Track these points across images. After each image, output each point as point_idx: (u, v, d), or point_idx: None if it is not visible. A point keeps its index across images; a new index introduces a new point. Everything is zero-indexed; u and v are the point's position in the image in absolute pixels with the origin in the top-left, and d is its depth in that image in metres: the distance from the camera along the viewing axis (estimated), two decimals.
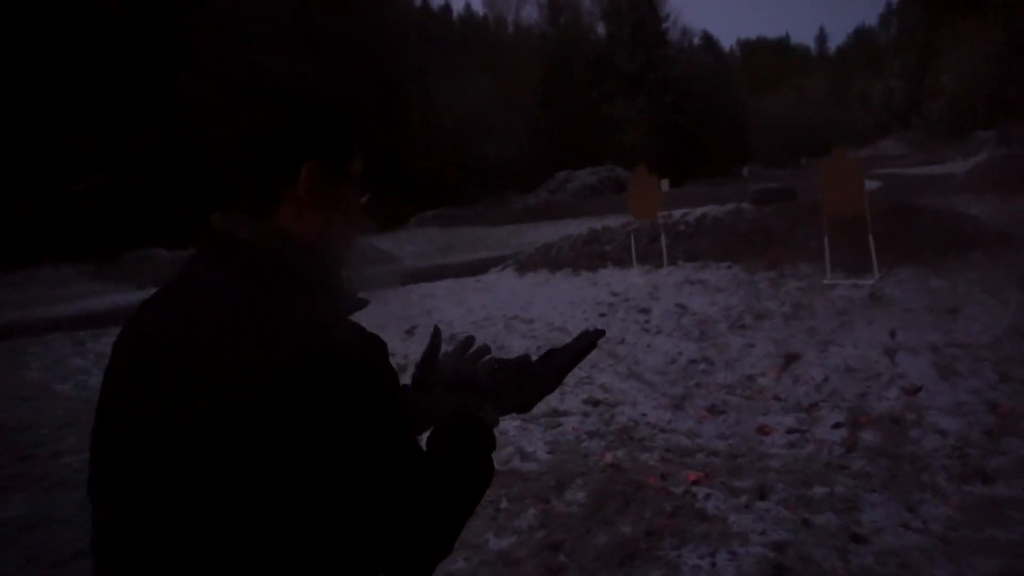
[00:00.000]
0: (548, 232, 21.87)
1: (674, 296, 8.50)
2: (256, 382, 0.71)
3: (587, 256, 11.93)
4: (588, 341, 1.11)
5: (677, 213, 12.27)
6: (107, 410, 0.84)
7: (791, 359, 5.49)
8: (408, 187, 42.17)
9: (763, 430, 4.20)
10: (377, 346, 0.80)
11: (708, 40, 69.18)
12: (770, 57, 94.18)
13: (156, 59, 28.94)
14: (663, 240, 10.30)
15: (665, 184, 37.32)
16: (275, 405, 0.71)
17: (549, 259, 12.35)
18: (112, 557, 0.80)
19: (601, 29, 58.39)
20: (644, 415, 4.57)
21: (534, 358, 1.10)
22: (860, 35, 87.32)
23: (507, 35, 65.51)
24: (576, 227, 14.94)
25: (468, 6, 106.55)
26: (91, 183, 27.81)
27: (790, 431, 4.12)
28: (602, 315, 7.78)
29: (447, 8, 68.93)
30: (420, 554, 0.81)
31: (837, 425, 4.12)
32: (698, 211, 12.09)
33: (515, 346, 7.04)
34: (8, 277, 25.64)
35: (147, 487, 0.75)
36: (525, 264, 12.60)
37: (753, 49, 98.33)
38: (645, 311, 7.72)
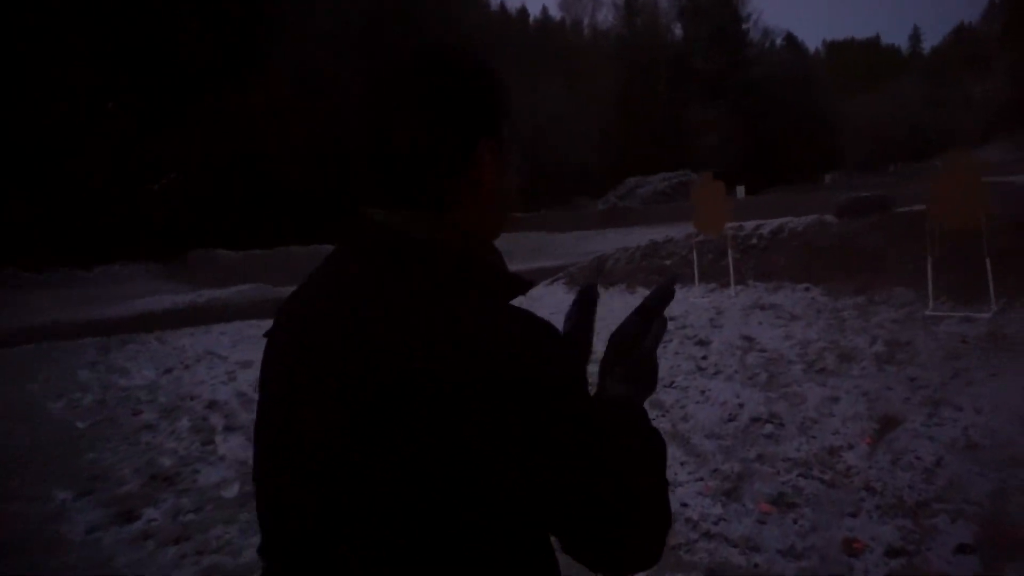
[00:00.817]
0: (614, 239, 20.56)
1: (740, 324, 7.16)
2: (443, 380, 0.64)
3: (645, 271, 10.63)
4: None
5: (749, 225, 10.83)
6: (272, 404, 0.80)
7: (888, 425, 4.14)
8: None
9: (851, 546, 2.94)
10: (550, 334, 0.70)
11: (792, 41, 65.90)
12: (859, 58, 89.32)
13: (226, 64, 29.14)
14: (730, 256, 8.93)
15: (740, 191, 35.18)
16: (462, 404, 0.64)
17: (603, 273, 11.11)
18: (284, 546, 0.77)
19: (679, 30, 56.34)
20: (685, 506, 3.36)
21: None
22: (960, 33, 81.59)
23: (583, 39, 64.18)
24: (645, 235, 13.62)
25: (545, 10, 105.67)
26: (165, 184, 28.17)
27: (890, 553, 2.84)
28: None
29: (524, 12, 68.19)
30: (634, 542, 0.73)
31: (963, 548, 2.81)
32: (774, 222, 10.62)
33: None
34: (84, 273, 26.18)
35: (319, 479, 0.71)
36: (576, 278, 11.40)
37: (841, 50, 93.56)
38: (703, 343, 6.43)
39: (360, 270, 0.75)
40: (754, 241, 10.21)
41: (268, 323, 0.85)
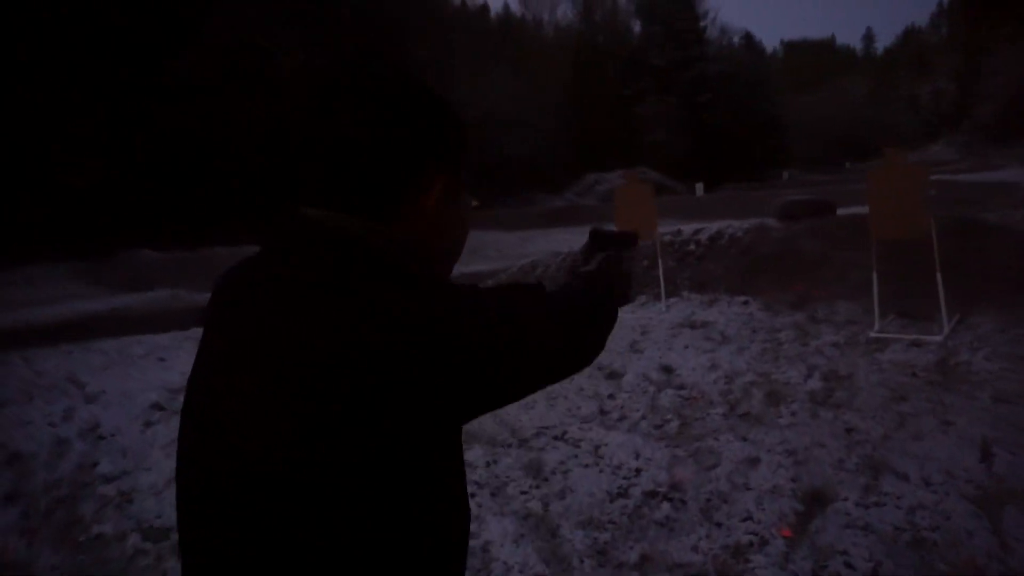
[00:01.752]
0: (562, 239, 19.62)
1: (663, 348, 6.19)
2: (366, 350, 0.71)
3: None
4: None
5: (688, 229, 9.91)
6: (205, 386, 0.83)
7: (815, 503, 3.20)
8: None
9: None
10: (463, 302, 0.78)
11: (750, 40, 65.75)
12: (815, 58, 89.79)
13: (155, 47, 27.45)
14: (660, 266, 7.98)
15: (700, 188, 34.44)
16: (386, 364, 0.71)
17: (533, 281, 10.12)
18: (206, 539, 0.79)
19: (638, 27, 55.67)
20: None
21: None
22: (909, 35, 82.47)
23: (545, 35, 63.16)
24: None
25: (507, 6, 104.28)
26: (89, 178, 26.40)
27: None
28: None
29: (485, 8, 66.74)
30: (585, 346, 0.94)
31: None
32: (713, 227, 9.72)
33: None
34: (5, 276, 24.38)
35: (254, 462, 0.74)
36: None
37: (797, 50, 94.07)
38: (615, 376, 5.44)
39: (300, 266, 0.79)
40: (691, 247, 9.29)
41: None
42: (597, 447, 4.08)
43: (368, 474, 0.71)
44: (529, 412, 4.76)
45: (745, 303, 7.67)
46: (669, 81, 47.64)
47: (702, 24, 53.03)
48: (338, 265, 0.77)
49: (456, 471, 0.81)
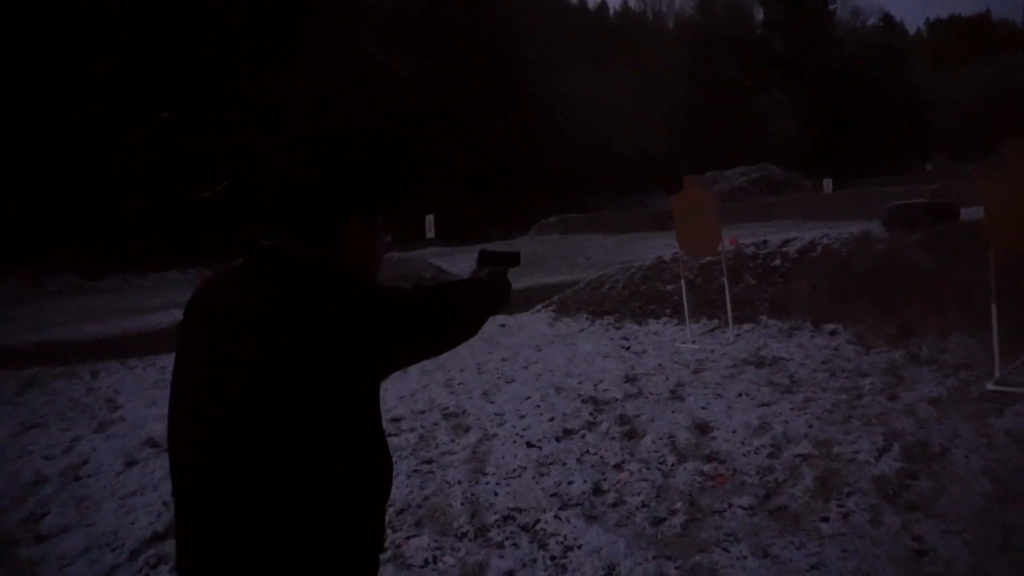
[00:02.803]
0: (663, 244, 18.24)
1: (711, 395, 5.03)
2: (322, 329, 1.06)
3: (641, 299, 8.52)
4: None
5: (776, 239, 8.50)
6: (187, 381, 1.17)
7: None
8: (536, 189, 39.54)
9: None
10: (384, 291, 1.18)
11: (888, 20, 60.05)
12: (965, 35, 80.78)
13: (260, 50, 28.37)
14: (727, 286, 6.71)
15: (828, 184, 31.46)
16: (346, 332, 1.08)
17: (596, 298, 9.06)
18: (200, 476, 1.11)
19: (760, 15, 52.23)
20: None
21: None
22: None
23: (665, 29, 60.79)
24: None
25: (625, 2, 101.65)
26: (219, 190, 27.79)
27: None
28: (567, 432, 4.53)
29: (603, 5, 65.09)
30: (460, 328, 1.31)
31: None
32: (806, 236, 8.25)
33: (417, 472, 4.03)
34: (140, 280, 26.11)
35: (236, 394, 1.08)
36: (567, 304, 9.39)
37: (944, 28, 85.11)
38: (633, 436, 4.38)
39: (260, 274, 1.15)
40: (776, 262, 7.91)
41: None
42: (567, 549, 3.09)
43: (309, 416, 1.05)
44: (511, 483, 3.83)
45: (833, 333, 6.28)
46: (795, 69, 44.20)
47: (831, 6, 48.84)
48: (282, 270, 1.14)
49: (374, 418, 1.16)
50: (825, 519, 3.12)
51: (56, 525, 4.05)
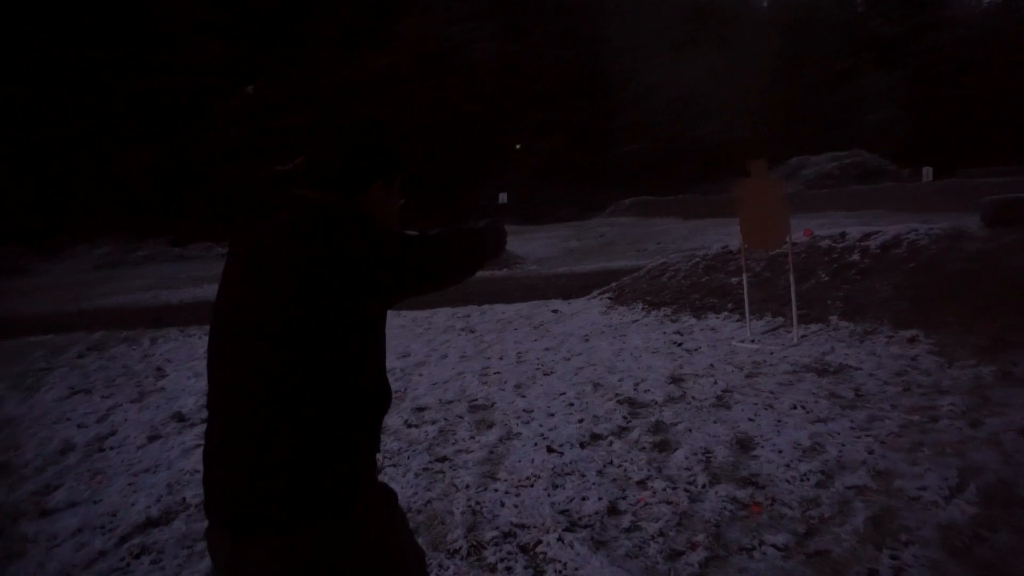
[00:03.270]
0: (735, 232, 17.30)
1: (761, 404, 4.49)
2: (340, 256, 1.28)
3: (701, 291, 7.92)
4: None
5: (855, 232, 7.71)
6: (231, 296, 1.38)
7: None
8: (614, 172, 38.60)
9: None
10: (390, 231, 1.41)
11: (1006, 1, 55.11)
12: None
13: (351, 33, 28.57)
14: (792, 284, 6.05)
15: (928, 173, 29.23)
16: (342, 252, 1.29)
17: (655, 287, 8.52)
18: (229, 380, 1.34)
19: None
20: None
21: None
22: None
23: (758, 10, 58.04)
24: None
25: None
26: (296, 166, 28.29)
27: None
28: (594, 438, 4.12)
29: None
30: (447, 272, 1.46)
31: None
32: (890, 231, 7.44)
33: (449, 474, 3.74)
34: (220, 249, 26.98)
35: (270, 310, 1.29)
36: (625, 292, 8.88)
37: None
38: (665, 448, 3.92)
39: (295, 214, 1.36)
40: (854, 257, 7.16)
41: None
42: None
43: (327, 330, 1.26)
44: (520, 494, 3.46)
45: (912, 341, 5.58)
46: (896, 53, 41.25)
47: None
48: (315, 211, 1.36)
49: (377, 343, 1.39)
50: (873, 572, 2.61)
51: (64, 500, 3.97)
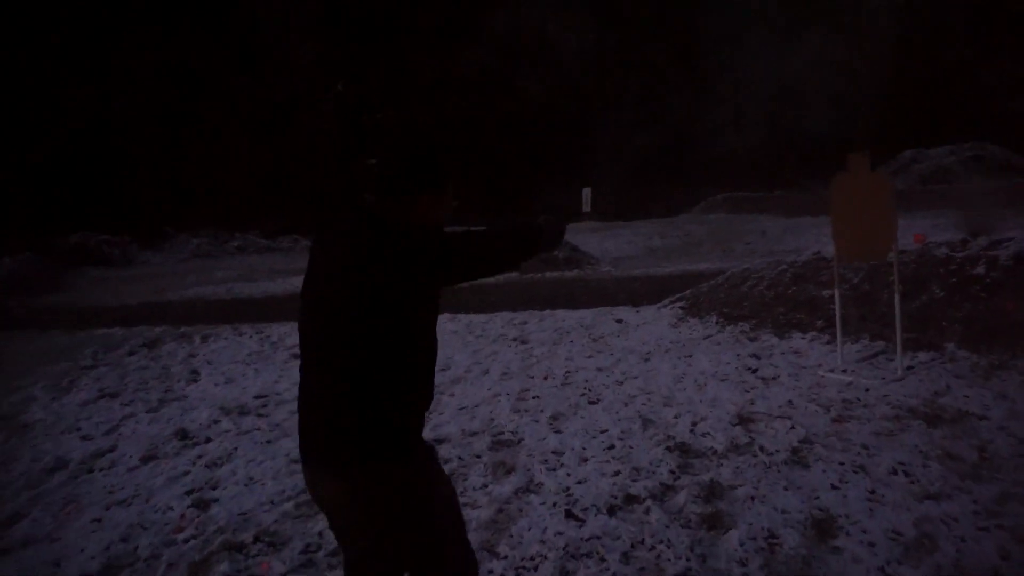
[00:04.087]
0: (829, 235, 15.62)
1: (849, 460, 3.47)
2: (386, 266, 1.59)
3: (787, 304, 6.80)
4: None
5: (980, 239, 6.39)
6: (313, 287, 1.73)
7: None
8: (710, 168, 36.71)
9: None
10: (440, 237, 1.65)
11: None
12: None
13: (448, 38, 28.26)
14: (897, 301, 4.89)
15: None
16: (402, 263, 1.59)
17: (734, 298, 7.44)
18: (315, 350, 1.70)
19: None
20: None
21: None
22: None
23: None
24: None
25: None
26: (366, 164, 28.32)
27: None
28: (628, 500, 3.26)
29: None
30: (502, 262, 1.74)
31: None
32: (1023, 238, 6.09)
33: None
34: (306, 242, 27.39)
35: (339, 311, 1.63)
36: (699, 302, 7.84)
37: None
38: (714, 524, 3.01)
39: (359, 223, 1.67)
40: (979, 270, 5.87)
41: None
42: None
43: (385, 314, 1.58)
44: None
45: None
46: None
47: None
48: (372, 222, 1.65)
49: (429, 320, 1.69)
50: None
51: (20, 537, 3.50)
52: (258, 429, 4.94)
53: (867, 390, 4.63)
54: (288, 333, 8.79)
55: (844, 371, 5.05)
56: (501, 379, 5.78)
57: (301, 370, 1.74)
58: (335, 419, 1.63)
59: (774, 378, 5.10)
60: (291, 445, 4.49)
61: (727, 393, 4.81)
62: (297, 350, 8.04)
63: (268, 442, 4.65)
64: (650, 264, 13.54)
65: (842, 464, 3.50)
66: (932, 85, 39.69)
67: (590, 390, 5.23)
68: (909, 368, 4.93)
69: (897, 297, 4.81)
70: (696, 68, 37.94)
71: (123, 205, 27.48)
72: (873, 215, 4.76)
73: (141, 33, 28.01)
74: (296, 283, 15.22)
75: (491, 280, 13.91)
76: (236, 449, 4.57)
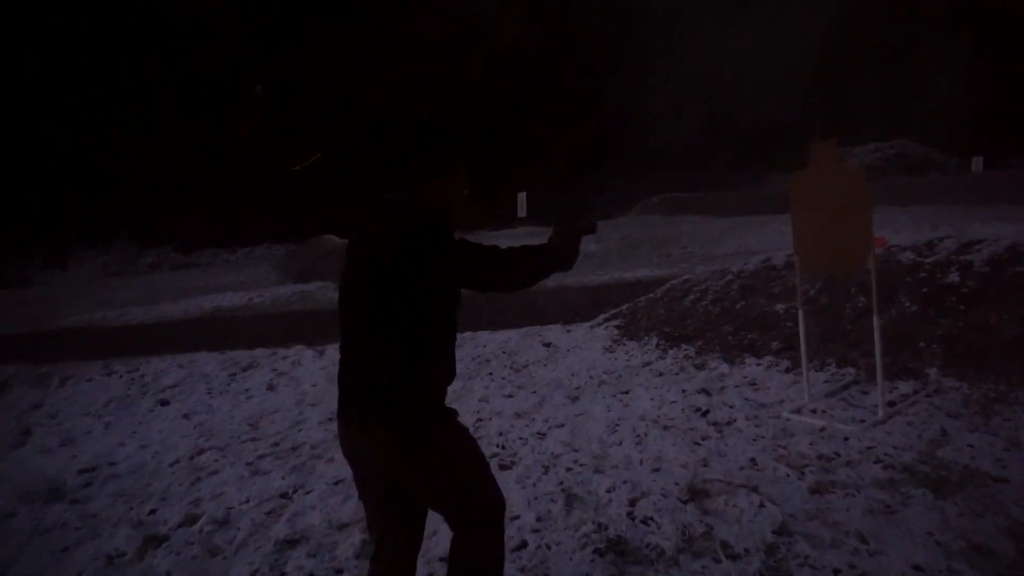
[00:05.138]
0: (776, 233, 15.01)
1: (845, 569, 2.46)
2: (408, 250, 1.81)
3: (738, 320, 5.84)
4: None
5: (949, 243, 5.54)
6: (348, 276, 1.96)
7: None
8: (646, 165, 36.26)
9: None
10: (449, 232, 1.87)
11: None
12: None
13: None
14: (876, 321, 3.91)
15: (977, 163, 26.09)
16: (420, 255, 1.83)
17: (675, 314, 6.46)
18: (351, 329, 1.95)
19: None
20: None
21: None
22: None
23: None
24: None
25: None
26: (311, 163, 26.68)
27: None
28: None
29: None
30: (510, 282, 1.91)
31: None
32: (1000, 240, 5.27)
33: None
34: (228, 256, 25.51)
35: (371, 294, 1.87)
36: (637, 319, 6.82)
37: None
38: None
39: (383, 217, 1.90)
40: (953, 277, 5.02)
41: None
42: None
43: (407, 302, 1.82)
44: None
45: None
46: (954, 22, 37.93)
47: None
48: (393, 216, 1.88)
49: (448, 304, 1.91)
50: None
51: None
52: (60, 527, 3.64)
53: (846, 439, 3.65)
54: (165, 371, 7.40)
55: (813, 411, 4.08)
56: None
57: (341, 348, 1.97)
58: (364, 385, 1.88)
59: (729, 423, 4.09)
60: (99, 547, 3.26)
61: (673, 448, 3.76)
62: (165, 395, 6.36)
63: (64, 549, 3.37)
64: (585, 271, 12.54)
65: (839, 574, 2.47)
66: (861, 79, 40.30)
67: (504, 447, 4.11)
68: (890, 404, 3.98)
69: (876, 320, 3.85)
70: (633, 62, 37.48)
71: (26, 216, 25.01)
72: (845, 217, 3.79)
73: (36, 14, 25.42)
74: (201, 302, 13.66)
75: None
76: (16, 560, 3.28)
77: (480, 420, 4.64)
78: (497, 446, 4.15)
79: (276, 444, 4.67)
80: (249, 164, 26.31)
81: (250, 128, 26.84)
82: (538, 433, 4.27)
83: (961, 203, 17.19)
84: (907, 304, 4.96)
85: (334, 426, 5.22)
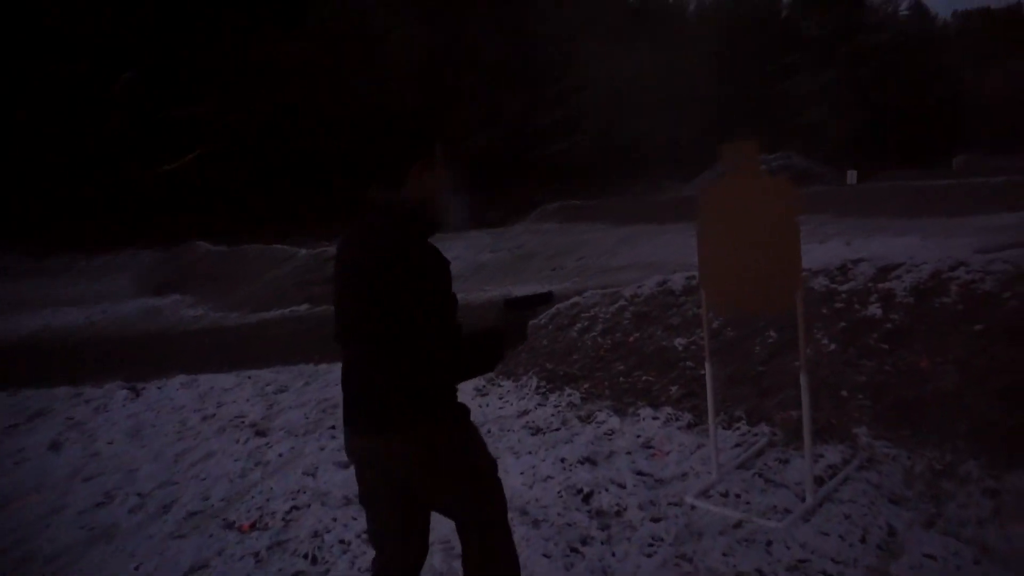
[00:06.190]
0: (671, 244, 14.44)
1: None
2: (394, 269, 1.66)
3: (631, 358, 4.86)
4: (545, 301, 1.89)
5: (865, 268, 4.78)
6: (338, 284, 1.84)
7: None
8: (543, 173, 35.75)
9: None
10: (442, 260, 1.69)
11: (919, 7, 55.05)
12: (994, 29, 74.83)
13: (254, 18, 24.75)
14: (803, 376, 2.97)
15: (852, 176, 26.80)
16: (409, 276, 1.65)
17: (560, 349, 5.42)
18: (349, 341, 1.83)
19: None
20: None
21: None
22: None
23: (689, 9, 56.34)
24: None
25: None
26: (184, 163, 24.22)
27: None
28: None
29: None
30: (448, 371, 1.74)
31: None
32: (927, 262, 4.54)
33: None
34: (87, 262, 22.71)
35: (359, 314, 1.76)
36: (514, 355, 5.75)
37: (973, 20, 79.15)
38: None
39: (367, 219, 1.78)
40: (874, 309, 4.22)
41: None
42: None
43: (394, 316, 1.66)
44: None
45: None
46: (824, 54, 39.77)
47: None
48: (376, 219, 1.76)
49: (443, 314, 1.68)
50: None
51: None
52: None
53: (769, 544, 2.67)
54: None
55: (724, 494, 3.09)
56: (178, 526, 3.28)
57: (342, 359, 1.87)
58: (366, 393, 1.78)
59: (619, 512, 3.04)
60: None
61: (544, 563, 2.66)
62: None
63: None
64: (472, 285, 11.47)
65: None
66: (746, 100, 41.52)
67: (313, 555, 2.89)
68: (817, 481, 3.06)
69: (804, 380, 2.91)
70: (528, 74, 36.93)
71: None
72: (768, 243, 2.83)
73: None
74: (24, 323, 11.54)
75: (250, 320, 11.21)
76: None
77: (293, 510, 3.38)
78: (306, 552, 2.93)
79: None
80: (117, 160, 23.60)
81: (120, 119, 24.10)
82: (359, 534, 3.07)
83: (846, 215, 17.34)
84: (824, 342, 4.11)
85: (102, 518, 3.85)
